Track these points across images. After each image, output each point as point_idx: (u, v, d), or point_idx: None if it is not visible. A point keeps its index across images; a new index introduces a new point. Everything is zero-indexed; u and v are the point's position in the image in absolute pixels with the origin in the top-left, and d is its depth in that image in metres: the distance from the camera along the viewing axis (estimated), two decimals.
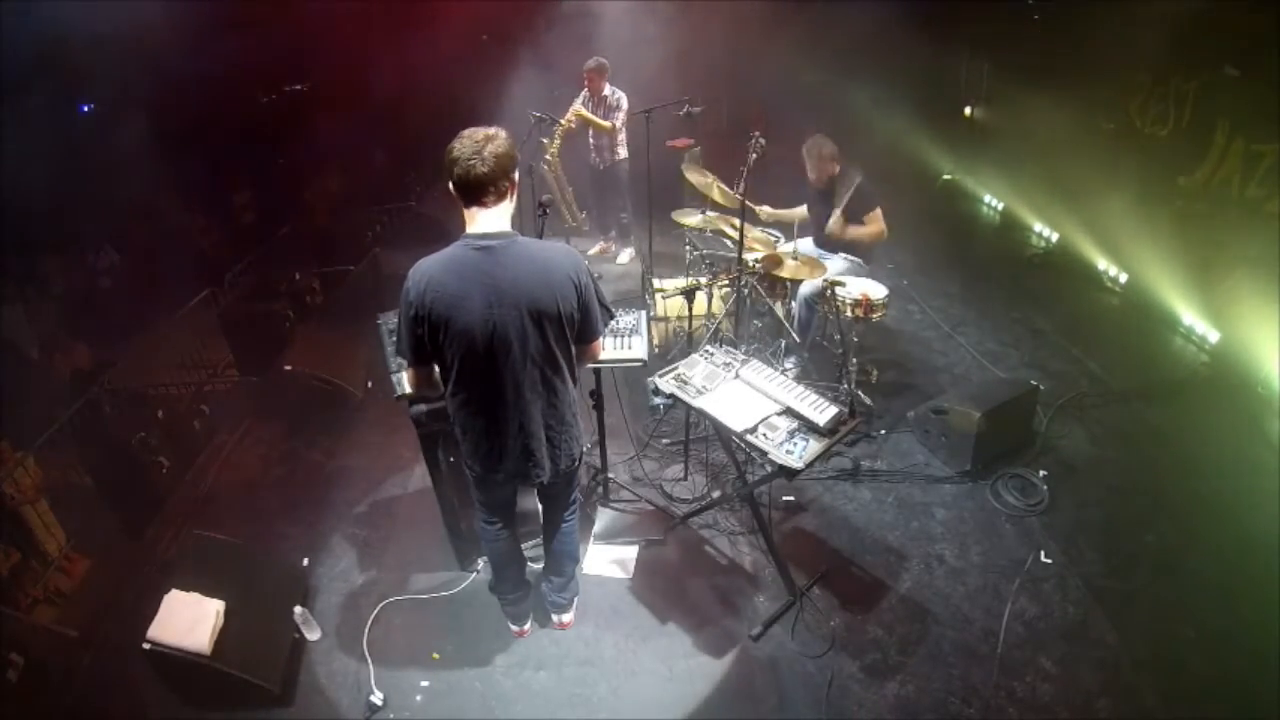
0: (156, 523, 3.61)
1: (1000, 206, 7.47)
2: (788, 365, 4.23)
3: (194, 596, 2.67)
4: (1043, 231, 6.74)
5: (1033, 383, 4.01)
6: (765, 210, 4.49)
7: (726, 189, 4.32)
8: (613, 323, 2.83)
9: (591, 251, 6.29)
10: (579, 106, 5.42)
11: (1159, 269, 5.09)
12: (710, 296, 4.22)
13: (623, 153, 5.76)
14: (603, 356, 2.66)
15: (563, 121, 5.30)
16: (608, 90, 5.49)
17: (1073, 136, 6.22)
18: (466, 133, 2.03)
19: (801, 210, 4.40)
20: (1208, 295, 4.76)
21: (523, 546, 2.87)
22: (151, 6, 4.97)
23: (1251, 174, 4.41)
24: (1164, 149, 5.07)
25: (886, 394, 4.30)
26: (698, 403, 2.76)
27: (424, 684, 2.73)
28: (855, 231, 4.11)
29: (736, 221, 3.83)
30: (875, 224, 4.07)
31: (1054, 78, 6.39)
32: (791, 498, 3.54)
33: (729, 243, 4.34)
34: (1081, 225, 5.99)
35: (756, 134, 3.59)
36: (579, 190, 6.41)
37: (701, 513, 3.44)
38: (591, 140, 5.75)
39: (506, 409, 2.20)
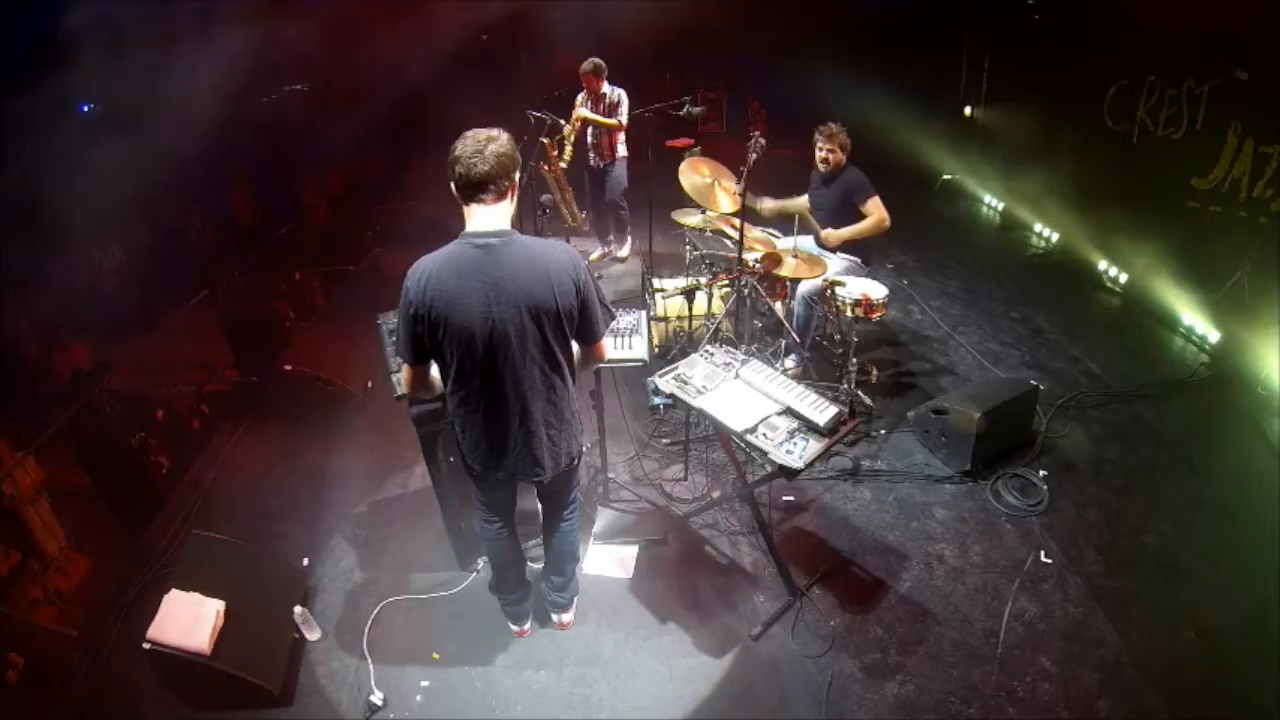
0: (156, 523, 3.61)
1: (1000, 206, 7.47)
2: (788, 364, 4.23)
3: (194, 596, 2.67)
4: (1043, 231, 6.74)
5: (1033, 383, 4.01)
6: (766, 204, 4.47)
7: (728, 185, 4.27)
8: (613, 322, 2.84)
9: (593, 256, 6.27)
10: (582, 110, 5.40)
11: (1161, 269, 5.10)
12: (710, 296, 4.22)
13: (622, 151, 5.77)
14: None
15: (568, 126, 5.28)
16: (606, 89, 5.48)
17: (1075, 137, 6.23)
18: (469, 133, 2.05)
19: (803, 201, 4.39)
20: (1210, 295, 4.76)
21: (523, 546, 2.86)
22: (152, 6, 4.98)
23: (1259, 175, 4.43)
24: (1177, 151, 5.08)
25: (886, 394, 4.30)
26: (698, 403, 2.76)
27: (424, 684, 2.73)
28: (853, 230, 4.09)
29: (736, 221, 3.83)
30: (874, 213, 4.04)
31: (1055, 78, 6.40)
32: (791, 498, 3.54)
33: (729, 243, 4.34)
34: (1083, 225, 6.00)
35: (756, 134, 3.59)
36: (576, 193, 6.41)
37: (701, 513, 3.44)
38: (590, 140, 5.74)
39: (506, 406, 2.20)
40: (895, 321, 5.17)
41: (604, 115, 5.50)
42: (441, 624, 2.96)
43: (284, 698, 2.67)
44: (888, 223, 4.07)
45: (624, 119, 5.52)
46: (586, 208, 6.32)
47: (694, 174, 4.21)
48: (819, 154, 4.16)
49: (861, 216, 4.08)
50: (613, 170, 5.82)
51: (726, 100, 10.05)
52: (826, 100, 6.53)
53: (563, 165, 5.17)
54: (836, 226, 4.17)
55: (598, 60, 5.40)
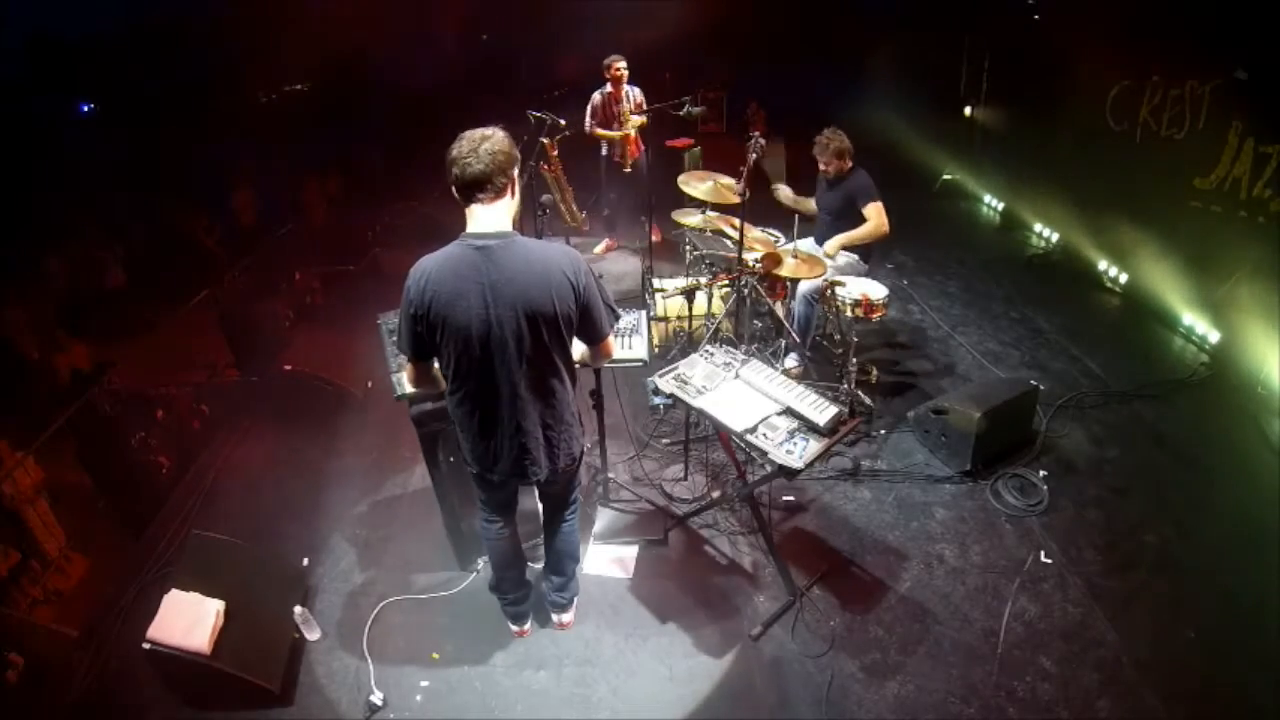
0: (156, 523, 3.61)
1: (1000, 206, 7.47)
2: (788, 364, 4.23)
3: (194, 596, 2.67)
4: (1043, 231, 6.74)
5: (1033, 383, 4.01)
6: (783, 190, 4.47)
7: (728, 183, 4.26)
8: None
9: (597, 250, 6.26)
10: (632, 125, 5.38)
11: (1161, 269, 5.09)
12: (710, 296, 4.22)
13: (643, 146, 5.77)
14: None
15: (628, 128, 5.27)
16: (625, 89, 5.48)
17: (1075, 137, 6.22)
18: (465, 133, 2.06)
19: (813, 204, 4.40)
20: (1210, 295, 4.76)
21: (523, 546, 2.86)
22: (152, 6, 4.98)
23: (1259, 175, 4.44)
24: (1180, 151, 5.08)
25: (886, 394, 4.30)
26: (698, 403, 2.76)
27: (424, 684, 2.73)
28: (848, 236, 4.10)
29: (736, 221, 3.83)
30: (873, 218, 4.04)
31: (1055, 78, 6.39)
32: (791, 498, 3.54)
33: (729, 243, 4.33)
34: (1083, 225, 5.99)
35: (756, 134, 3.59)
36: (586, 191, 6.40)
37: (701, 513, 3.44)
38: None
39: (503, 408, 2.20)
40: (895, 321, 5.16)
41: (629, 114, 5.50)
42: (441, 624, 2.96)
43: (284, 698, 2.67)
44: (886, 229, 4.05)
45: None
46: (601, 201, 6.26)
47: (696, 184, 4.23)
48: (819, 166, 4.21)
49: (863, 220, 4.09)
50: (638, 167, 5.76)
51: (726, 100, 10.05)
52: (826, 100, 6.55)
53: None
54: (838, 228, 4.17)
55: (623, 59, 5.44)
